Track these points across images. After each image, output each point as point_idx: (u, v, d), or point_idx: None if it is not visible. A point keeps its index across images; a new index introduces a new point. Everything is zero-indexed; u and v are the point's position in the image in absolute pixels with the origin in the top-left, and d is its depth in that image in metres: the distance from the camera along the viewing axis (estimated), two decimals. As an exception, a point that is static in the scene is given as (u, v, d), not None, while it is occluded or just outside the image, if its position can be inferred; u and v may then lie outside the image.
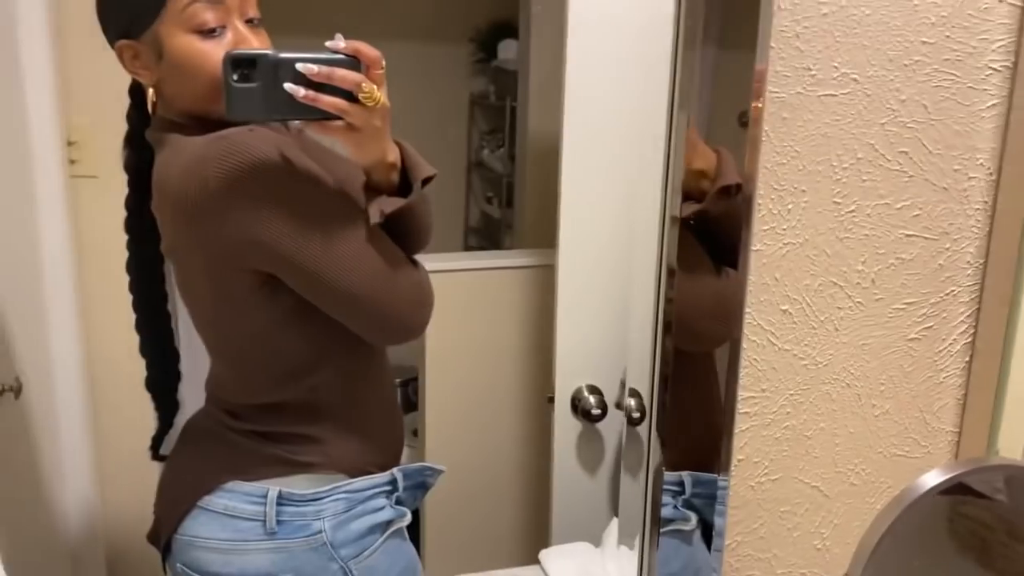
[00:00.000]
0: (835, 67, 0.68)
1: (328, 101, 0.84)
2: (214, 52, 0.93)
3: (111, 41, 0.96)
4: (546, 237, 1.40)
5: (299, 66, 0.82)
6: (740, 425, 0.71)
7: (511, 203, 2.63)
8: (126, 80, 1.04)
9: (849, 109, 0.69)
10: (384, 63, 0.87)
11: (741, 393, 0.70)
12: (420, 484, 1.13)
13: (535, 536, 1.56)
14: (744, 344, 0.70)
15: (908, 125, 0.70)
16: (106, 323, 1.48)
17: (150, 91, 1.00)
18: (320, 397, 1.03)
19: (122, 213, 1.09)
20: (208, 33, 0.92)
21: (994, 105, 0.72)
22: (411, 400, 1.97)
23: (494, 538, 1.65)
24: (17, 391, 1.29)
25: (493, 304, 1.72)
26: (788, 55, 0.67)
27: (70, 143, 1.47)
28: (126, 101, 1.06)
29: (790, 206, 0.69)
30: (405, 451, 1.18)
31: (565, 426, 1.37)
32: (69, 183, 1.46)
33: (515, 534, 1.66)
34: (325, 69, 0.83)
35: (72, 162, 1.47)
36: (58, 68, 1.39)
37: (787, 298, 0.70)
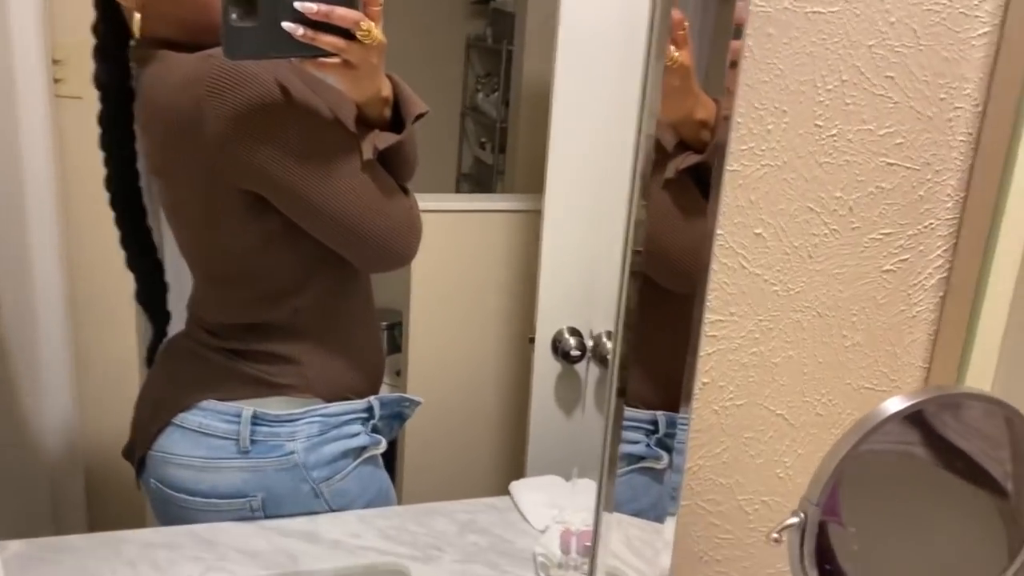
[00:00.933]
0: (824, -17, 0.66)
1: (327, 39, 0.83)
2: None
3: None
4: (537, 183, 1.39)
5: (297, 5, 0.82)
6: (707, 348, 0.70)
7: (504, 149, 2.60)
8: (113, -1, 1.02)
9: (837, 28, 0.67)
10: (382, 0, 0.87)
11: (709, 316, 0.70)
12: (397, 414, 1.14)
13: (511, 471, 1.57)
14: (714, 266, 0.69)
15: (896, 49, 0.69)
16: (87, 243, 1.47)
17: (136, 16, 0.98)
18: (302, 319, 1.03)
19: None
20: None
21: (985, 33, 0.70)
22: (396, 342, 1.98)
23: (471, 472, 1.67)
24: (-6, 306, 1.28)
25: (480, 246, 1.72)
26: (776, -32, 0.65)
27: (55, 62, 1.44)
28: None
29: (770, 127, 0.67)
30: (388, 390, 1.19)
31: (544, 366, 1.37)
32: (53, 103, 1.44)
33: (491, 468, 1.68)
34: (324, 7, 0.83)
35: (57, 81, 1.45)
36: (44, -15, 1.36)
37: (761, 221, 0.69)
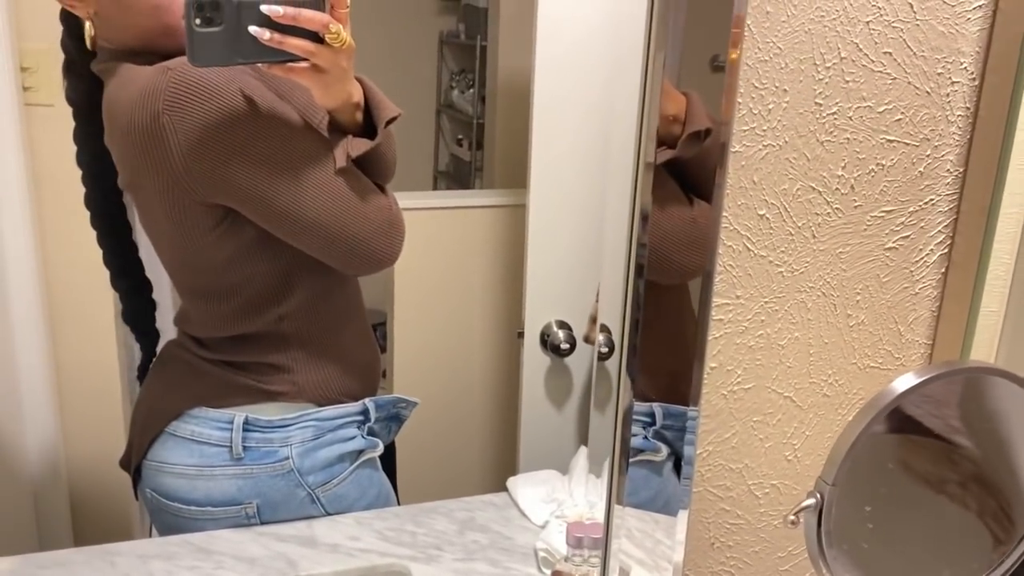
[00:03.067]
0: (820, -40, 0.66)
1: (295, 43, 0.82)
2: None
3: None
4: (515, 178, 1.39)
5: (264, 8, 0.80)
6: (713, 332, 0.70)
7: (481, 145, 2.59)
8: (80, 5, 1.00)
9: (834, 5, 0.66)
10: (349, 1, 0.85)
11: (715, 300, 0.69)
12: (394, 416, 1.14)
13: (504, 466, 1.57)
14: (719, 249, 0.68)
15: (893, 24, 0.68)
16: (64, 256, 1.45)
17: (87, 24, 0.96)
18: (288, 327, 1.02)
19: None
20: None
21: (980, 7, 0.70)
22: (381, 344, 1.96)
23: (464, 469, 1.67)
24: (-30, 325, 1.25)
25: (461, 243, 1.72)
26: (772, -54, 0.64)
27: (23, 69, 1.41)
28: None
29: (771, 106, 0.67)
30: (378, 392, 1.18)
31: (534, 360, 1.37)
32: (23, 111, 1.41)
33: (485, 465, 1.67)
34: (291, 10, 0.81)
35: (26, 89, 1.42)
36: (10, -10, 1.33)
37: (765, 202, 0.69)
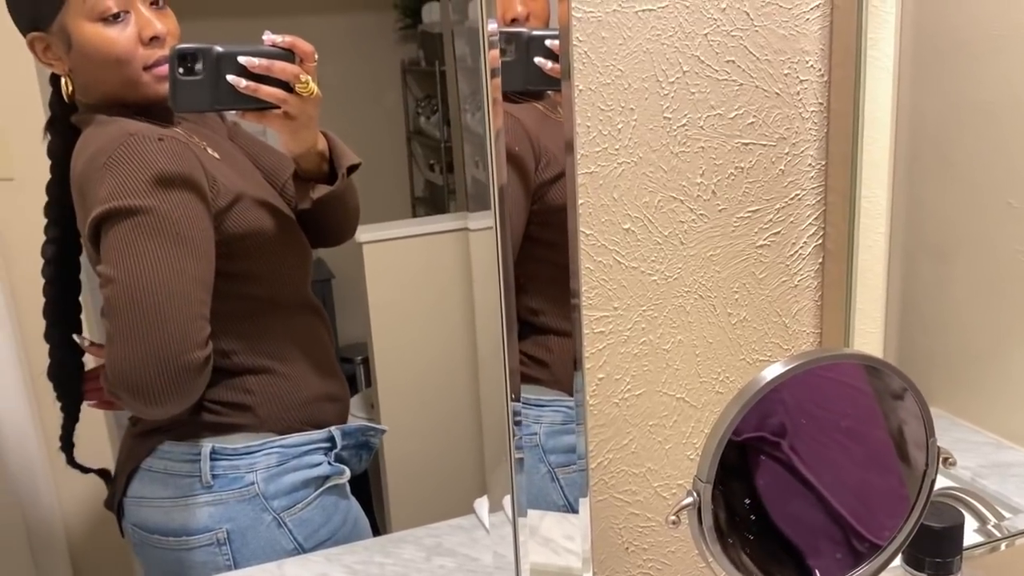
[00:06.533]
0: (649, -18, 0.68)
1: (268, 91, 0.90)
2: (120, 38, 0.96)
3: (23, 34, 0.99)
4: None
5: (241, 59, 0.88)
6: (596, 345, 0.72)
7: (452, 168, 2.63)
8: (36, 79, 1.05)
9: (669, 23, 0.69)
10: (317, 56, 0.93)
11: (593, 314, 0.72)
12: (363, 444, 1.18)
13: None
14: (590, 265, 0.71)
15: (732, 34, 0.71)
16: (41, 324, 1.50)
17: (63, 80, 1.02)
18: (239, 362, 1.06)
19: (41, 214, 1.11)
20: (112, 19, 0.96)
21: (818, 6, 0.72)
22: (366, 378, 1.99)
23: (457, 491, 1.69)
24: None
25: (438, 267, 1.74)
26: (599, -26, 0.67)
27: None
28: (38, 101, 1.08)
29: (620, 126, 0.70)
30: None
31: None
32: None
33: (477, 485, 1.70)
34: (265, 62, 0.89)
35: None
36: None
37: (628, 216, 0.71)
